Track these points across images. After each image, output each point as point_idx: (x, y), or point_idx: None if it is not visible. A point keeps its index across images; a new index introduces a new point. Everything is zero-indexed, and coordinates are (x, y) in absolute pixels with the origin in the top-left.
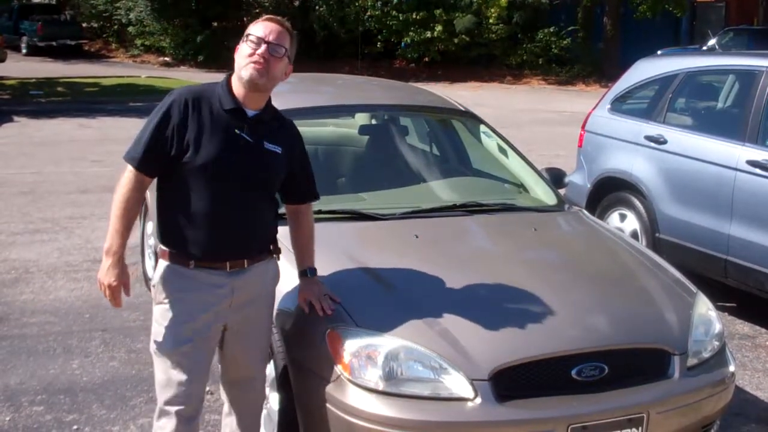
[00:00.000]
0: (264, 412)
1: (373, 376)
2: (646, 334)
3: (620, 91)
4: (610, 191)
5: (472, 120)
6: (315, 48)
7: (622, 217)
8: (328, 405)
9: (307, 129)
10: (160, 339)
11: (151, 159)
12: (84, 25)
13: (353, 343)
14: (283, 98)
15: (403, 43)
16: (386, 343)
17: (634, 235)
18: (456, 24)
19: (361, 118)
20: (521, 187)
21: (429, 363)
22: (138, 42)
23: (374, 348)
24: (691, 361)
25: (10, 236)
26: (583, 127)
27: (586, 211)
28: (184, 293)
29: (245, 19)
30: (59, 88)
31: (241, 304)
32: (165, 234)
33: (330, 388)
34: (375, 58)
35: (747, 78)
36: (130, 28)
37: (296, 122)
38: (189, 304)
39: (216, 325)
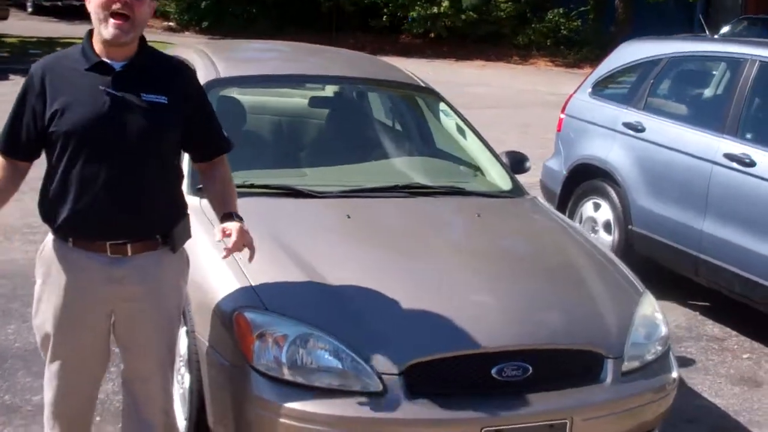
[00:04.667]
0: (181, 391)
1: (277, 364)
2: (576, 334)
3: (602, 74)
4: (585, 179)
5: (432, 97)
6: (319, 19)
7: (596, 207)
8: (231, 392)
9: (254, 98)
10: (37, 322)
11: (17, 142)
12: None
13: (259, 327)
14: (236, 66)
15: (409, 18)
16: (294, 328)
17: (607, 226)
18: (463, 0)
19: (314, 90)
20: (477, 170)
21: (338, 353)
22: None
23: (281, 333)
24: (628, 366)
25: None
26: (562, 110)
27: (540, 200)
28: (62, 272)
29: None
30: (58, 48)
31: (127, 297)
32: (42, 206)
33: (234, 373)
34: (380, 32)
35: (732, 66)
36: None
37: (246, 91)
38: (66, 285)
39: (98, 312)
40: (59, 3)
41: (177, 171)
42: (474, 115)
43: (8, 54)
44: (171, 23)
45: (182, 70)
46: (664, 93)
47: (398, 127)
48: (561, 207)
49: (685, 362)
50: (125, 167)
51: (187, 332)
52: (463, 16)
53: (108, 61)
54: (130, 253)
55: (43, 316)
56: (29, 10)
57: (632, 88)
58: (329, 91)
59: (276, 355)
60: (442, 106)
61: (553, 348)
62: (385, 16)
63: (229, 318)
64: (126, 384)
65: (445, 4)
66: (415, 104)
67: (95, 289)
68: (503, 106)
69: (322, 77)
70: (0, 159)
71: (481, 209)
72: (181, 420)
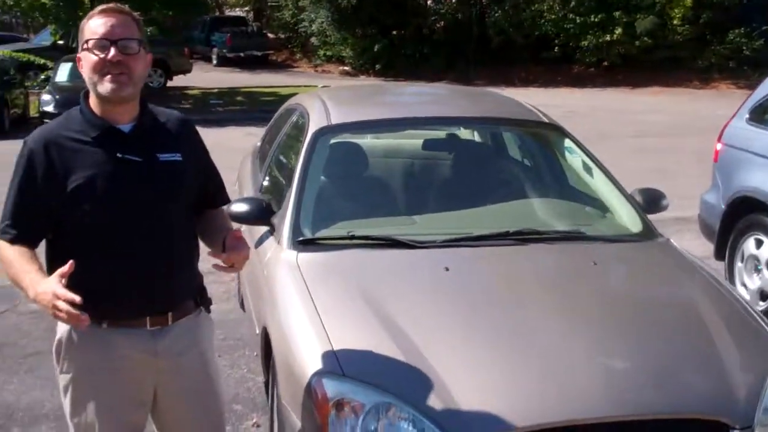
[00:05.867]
0: None
1: None
2: (694, 400)
3: (760, 98)
4: (745, 213)
5: (556, 133)
6: (490, 54)
7: (758, 243)
8: None
9: (369, 143)
10: (72, 416)
11: (26, 227)
12: (271, 36)
13: (336, 394)
14: (349, 112)
15: (581, 47)
16: (372, 397)
17: None
18: (637, 26)
19: (431, 132)
20: (604, 211)
21: (418, 425)
22: (320, 52)
23: (358, 401)
24: None
25: None
26: (719, 139)
27: (673, 242)
28: (99, 359)
29: (422, 27)
30: (238, 98)
31: (170, 369)
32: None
33: None
34: (552, 63)
35: None
36: (313, 39)
37: (361, 135)
38: (108, 371)
39: (145, 389)
40: (242, 54)
41: (194, 229)
42: (647, 144)
43: (190, 105)
44: (347, 67)
45: (186, 123)
46: None
47: (516, 167)
48: (721, 244)
49: None
50: (157, 234)
51: (277, 399)
52: (638, 43)
53: (116, 126)
54: (170, 322)
55: (85, 412)
56: (214, 62)
57: None
58: (445, 132)
59: (352, 426)
60: (567, 142)
61: (669, 418)
62: (556, 47)
63: (308, 384)
64: None
65: (618, 31)
66: (538, 142)
67: (139, 367)
68: (679, 133)
69: (434, 119)
70: (8, 252)
71: (599, 257)
72: None
